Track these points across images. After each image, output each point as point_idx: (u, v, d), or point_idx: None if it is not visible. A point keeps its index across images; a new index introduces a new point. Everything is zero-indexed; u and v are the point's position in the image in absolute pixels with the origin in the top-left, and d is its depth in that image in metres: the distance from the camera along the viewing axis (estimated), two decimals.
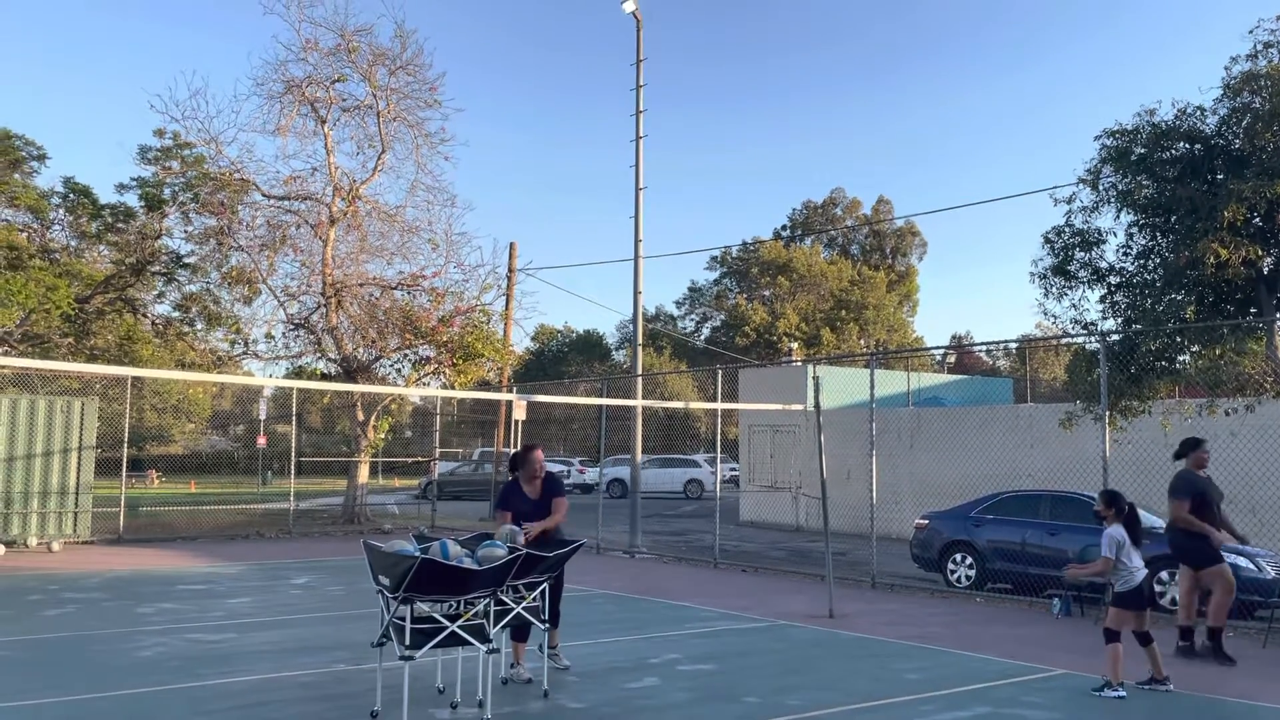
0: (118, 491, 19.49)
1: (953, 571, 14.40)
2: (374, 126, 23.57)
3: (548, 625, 7.61)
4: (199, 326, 25.64)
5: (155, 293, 26.45)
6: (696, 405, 18.28)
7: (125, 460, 19.64)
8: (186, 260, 25.56)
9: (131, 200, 25.61)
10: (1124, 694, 7.81)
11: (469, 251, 46.41)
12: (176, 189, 24.97)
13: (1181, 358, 12.75)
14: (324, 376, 23.68)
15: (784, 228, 68.36)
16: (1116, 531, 7.88)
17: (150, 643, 9.22)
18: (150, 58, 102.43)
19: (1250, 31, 11.95)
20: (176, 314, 26.16)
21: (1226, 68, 12.13)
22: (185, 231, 25.00)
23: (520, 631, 7.99)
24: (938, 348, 63.85)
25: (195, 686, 7.56)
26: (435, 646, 6.44)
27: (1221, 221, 10.70)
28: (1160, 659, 7.84)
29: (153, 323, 26.28)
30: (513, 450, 21.07)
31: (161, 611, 11.01)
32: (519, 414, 20.88)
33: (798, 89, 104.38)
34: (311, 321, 23.39)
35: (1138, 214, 12.25)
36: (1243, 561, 11.85)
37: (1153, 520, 13.18)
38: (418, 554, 6.45)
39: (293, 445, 23.04)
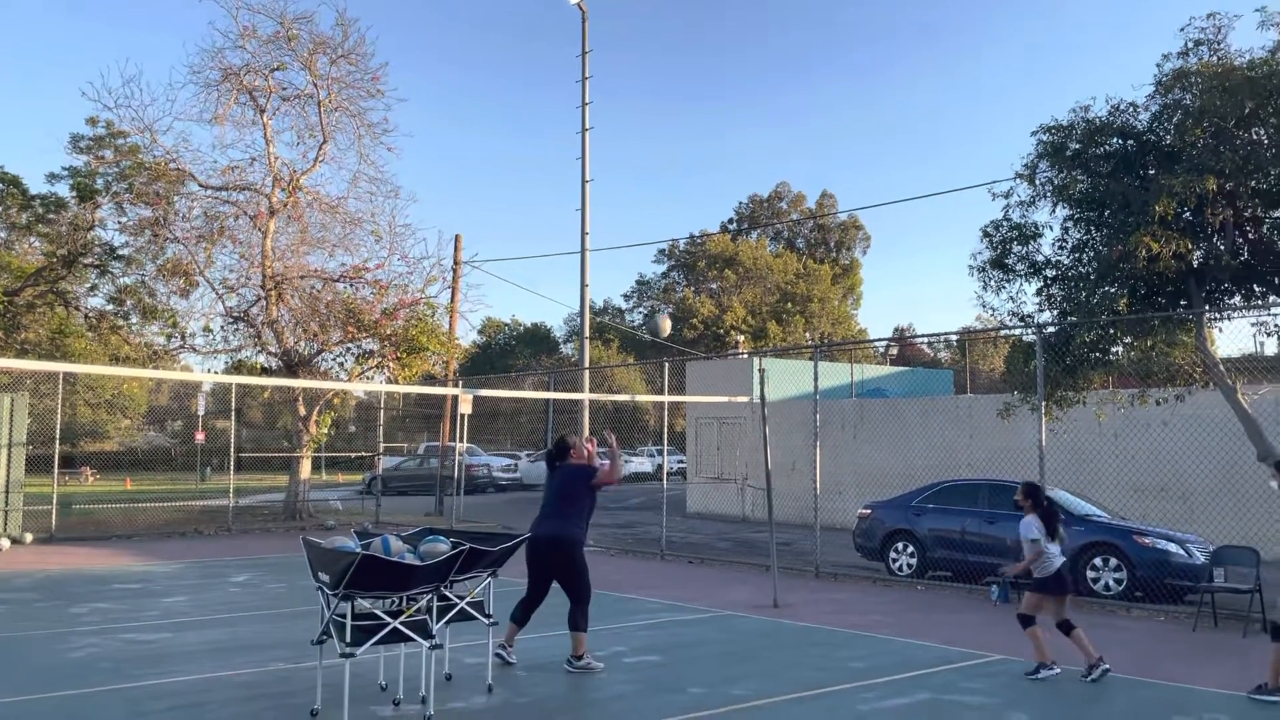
0: (50, 489, 18.98)
1: (894, 560, 14.60)
2: (315, 116, 23.19)
3: (493, 621, 7.56)
4: (134, 320, 25.00)
5: (88, 285, 25.74)
6: (644, 398, 18.34)
7: (57, 457, 19.12)
8: (120, 252, 24.92)
9: (63, 190, 24.92)
10: (1058, 670, 8.03)
11: (413, 244, 45.99)
12: (110, 179, 24.32)
13: (1115, 349, 13.03)
14: (264, 371, 23.27)
15: (730, 221, 68.65)
16: (1033, 521, 8.22)
17: (83, 643, 9.00)
18: (82, 43, 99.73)
19: (1181, 29, 12.23)
20: (110, 307, 25.48)
21: (1158, 65, 12.39)
22: (119, 223, 24.36)
23: (520, 615, 8.27)
24: (880, 340, 64.74)
25: (130, 687, 7.39)
26: (377, 643, 6.37)
27: (1153, 216, 10.93)
28: (1087, 642, 8.03)
29: (86, 316, 25.58)
30: (460, 444, 20.91)
31: (95, 611, 10.75)
32: (464, 408, 20.72)
33: (743, 82, 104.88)
34: (251, 315, 22.96)
35: (1073, 208, 12.47)
36: (1173, 547, 12.19)
37: (1089, 508, 13.51)
38: (358, 550, 6.38)
39: (232, 441, 22.60)
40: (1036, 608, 8.23)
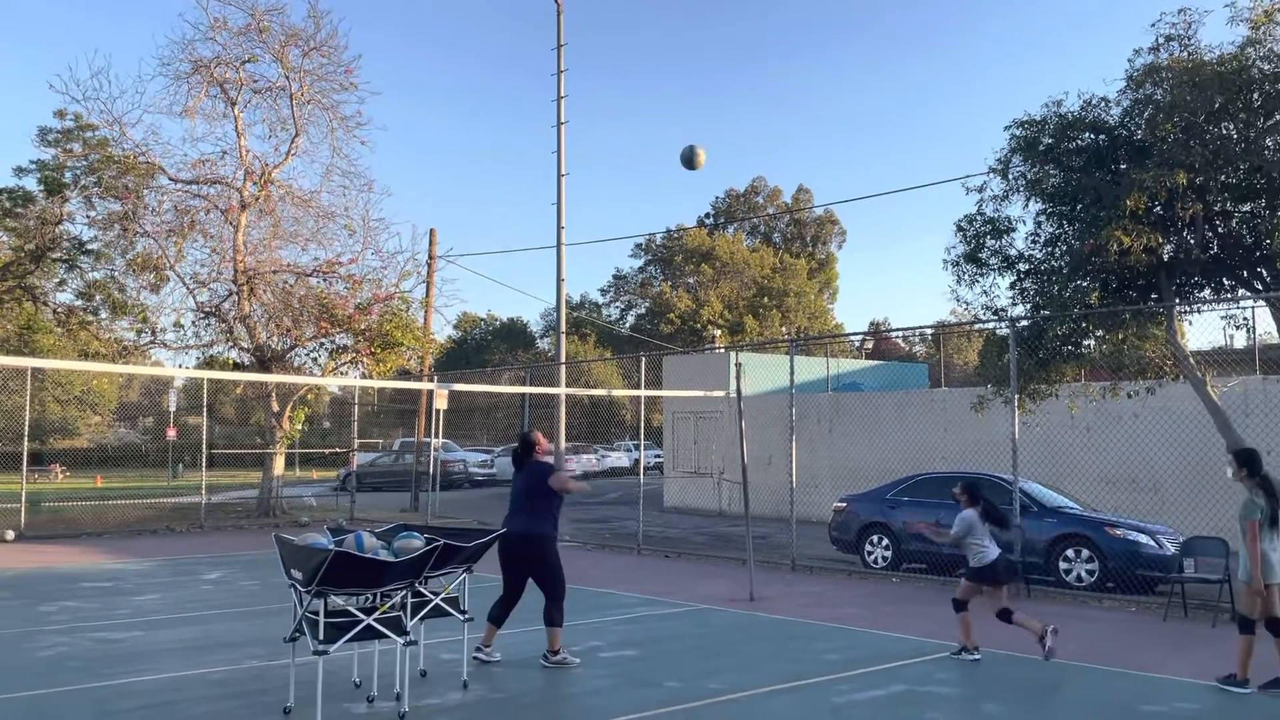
0: (18, 487, 18.72)
1: (870, 553, 14.67)
2: (287, 109, 22.99)
3: (468, 617, 7.52)
4: (103, 315, 24.66)
5: (56, 280, 25.38)
6: (620, 393, 18.32)
7: (26, 454, 18.87)
8: (89, 246, 24.57)
9: (30, 184, 24.51)
10: (979, 658, 8.40)
11: (387, 238, 45.44)
12: (78, 172, 23.97)
13: (1087, 342, 13.13)
14: (236, 366, 23.06)
15: (707, 216, 68.75)
16: (969, 515, 8.55)
17: (52, 642, 8.88)
18: (50, 34, 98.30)
19: (1153, 24, 12.32)
20: (79, 302, 25.12)
21: (1130, 60, 12.49)
22: (88, 217, 24.02)
23: (497, 615, 8.14)
24: (856, 334, 64.96)
25: (100, 686, 7.30)
26: (350, 640, 6.32)
27: (1124, 210, 11.02)
28: (1034, 623, 8.26)
29: (54, 311, 25.22)
30: (435, 440, 20.81)
31: (64, 610, 10.61)
32: (440, 403, 20.62)
33: (720, 78, 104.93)
34: (223, 309, 22.74)
35: (1045, 202, 12.55)
36: (1144, 539, 12.32)
37: (1061, 500, 13.62)
38: (331, 547, 6.32)
39: (204, 437, 22.39)
40: (968, 594, 8.57)
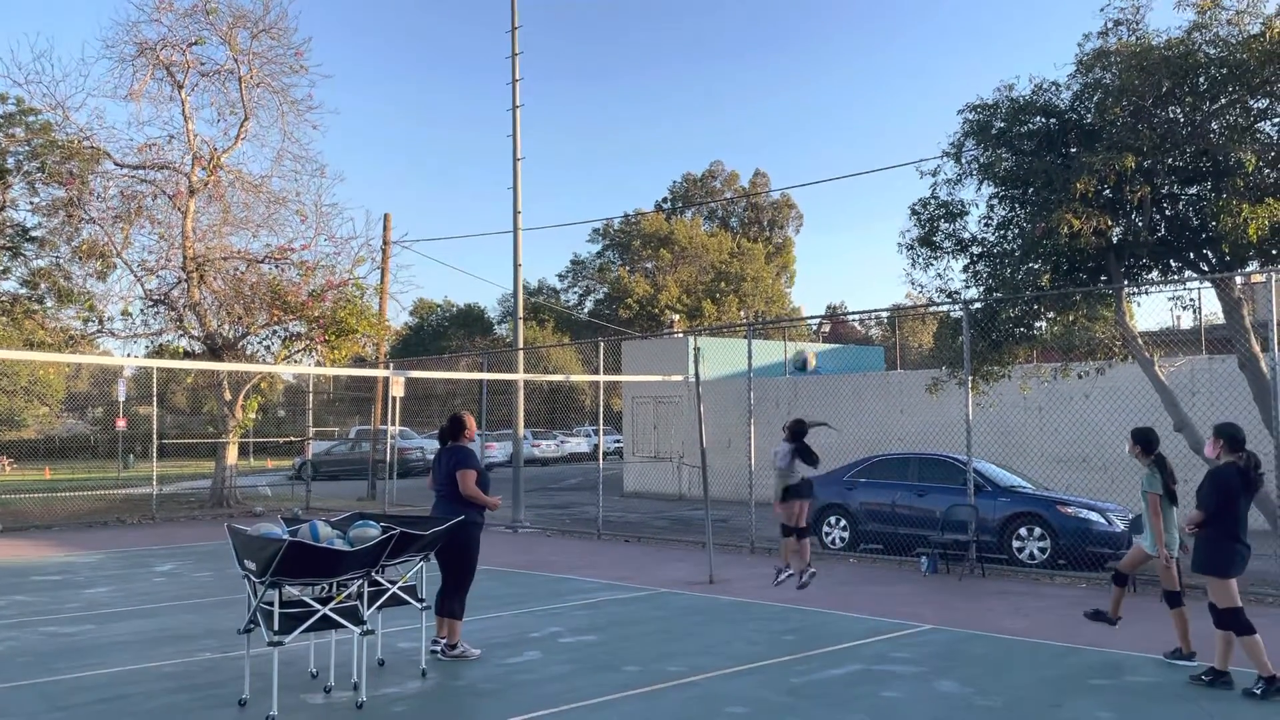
0: None
1: (827, 534, 14.80)
2: (235, 92, 22.56)
3: (426, 605, 7.47)
4: (49, 304, 24.08)
5: (0, 268, 24.77)
6: (579, 378, 18.27)
7: None
8: (34, 234, 23.98)
9: None
10: (790, 573, 10.75)
11: (340, 223, 45.34)
12: (21, 158, 23.35)
13: (1038, 324, 13.31)
14: (187, 355, 22.67)
15: (665, 200, 68.68)
16: (784, 447, 10.83)
17: (0, 637, 8.70)
18: None
19: (1102, 9, 12.44)
20: (24, 290, 24.52)
21: (1079, 44, 12.61)
22: (31, 203, 23.43)
23: (453, 611, 7.88)
24: (813, 317, 65.42)
25: (50, 681, 7.16)
26: (306, 630, 6.25)
27: (1074, 193, 11.15)
28: (798, 562, 10.77)
29: None
30: (392, 428, 20.63)
31: (13, 604, 10.40)
32: (396, 390, 20.44)
33: (676, 61, 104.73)
34: (172, 297, 22.32)
35: (998, 186, 12.67)
36: (1095, 516, 12.55)
37: (1014, 480, 13.83)
38: (285, 537, 6.24)
39: (154, 427, 22.00)
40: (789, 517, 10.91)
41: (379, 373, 21.20)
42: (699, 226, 65.54)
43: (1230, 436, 7.00)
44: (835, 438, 14.07)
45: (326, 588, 6.56)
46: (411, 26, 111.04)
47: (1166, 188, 12.07)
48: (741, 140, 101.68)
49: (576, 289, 68.83)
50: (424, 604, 7.33)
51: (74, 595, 11.04)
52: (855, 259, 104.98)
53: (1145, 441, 7.96)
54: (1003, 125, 12.62)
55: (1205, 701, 6.60)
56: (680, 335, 29.45)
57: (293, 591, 6.36)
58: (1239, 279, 12.14)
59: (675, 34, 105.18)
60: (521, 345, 21.08)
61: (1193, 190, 12.14)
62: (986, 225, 13.12)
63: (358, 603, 6.61)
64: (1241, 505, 6.88)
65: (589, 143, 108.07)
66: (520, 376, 19.63)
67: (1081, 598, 10.69)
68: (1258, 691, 6.67)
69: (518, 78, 20.63)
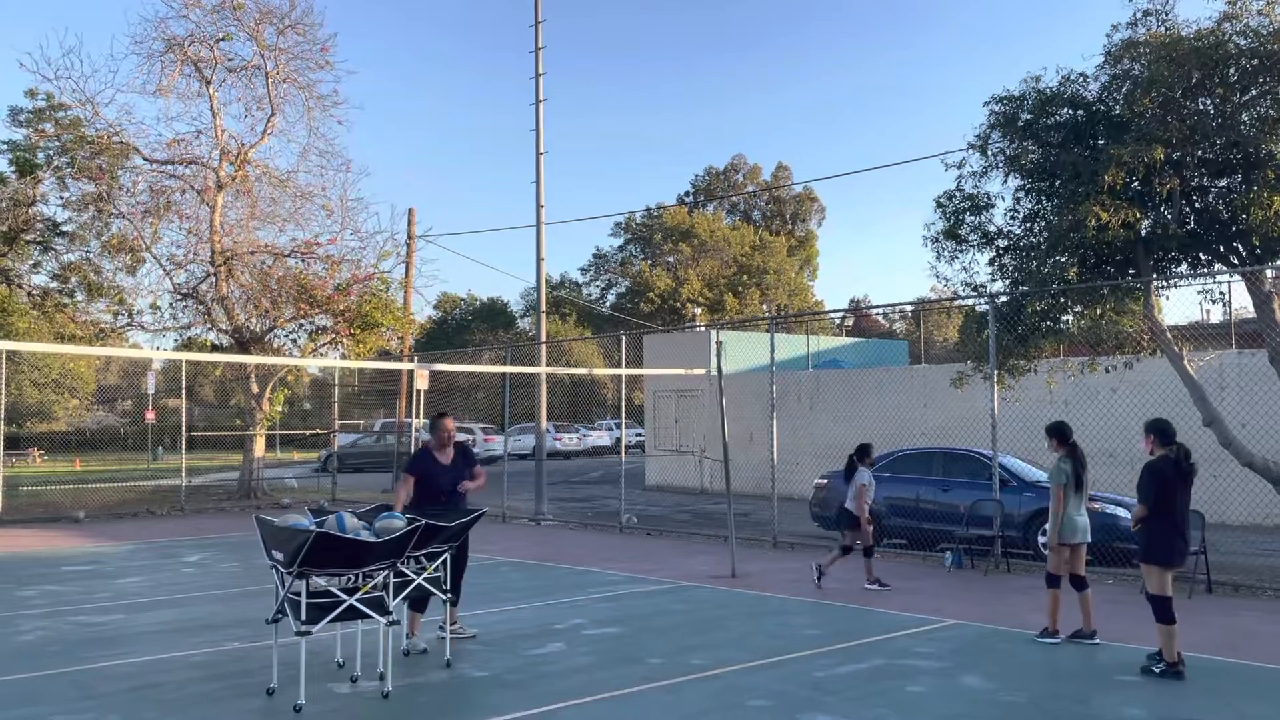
0: None
1: None
2: (262, 88, 22.73)
3: (450, 598, 7.53)
4: (79, 297, 24.39)
5: (31, 262, 25.06)
6: (600, 371, 18.29)
7: (2, 438, 18.67)
8: (64, 228, 24.29)
9: (2, 165, 24.20)
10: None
11: (366, 218, 45.25)
12: (51, 153, 23.65)
13: (1065, 318, 13.20)
14: (215, 348, 22.89)
15: (687, 194, 68.53)
16: (866, 474, 10.96)
17: (32, 626, 8.83)
18: (19, 12, 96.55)
19: (1130, 0, 12.34)
20: (55, 284, 24.84)
21: (1108, 35, 12.47)
22: (61, 198, 23.73)
23: (418, 602, 7.84)
24: (836, 311, 65.13)
25: (81, 670, 7.27)
26: (333, 620, 6.32)
27: (1102, 185, 11.04)
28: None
29: (29, 294, 24.91)
30: (416, 421, 20.76)
31: (45, 594, 10.55)
32: (421, 384, 20.54)
33: (700, 55, 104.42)
34: (200, 291, 22.54)
35: (1024, 178, 12.56)
36: (1122, 512, 12.45)
37: (1040, 475, 13.73)
38: (312, 528, 6.30)
39: (183, 419, 22.23)
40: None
41: (404, 366, 21.29)
42: (721, 220, 65.40)
43: (1160, 431, 7.39)
44: (857, 433, 14.03)
45: (353, 578, 6.62)
46: (436, 21, 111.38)
47: (1196, 180, 11.93)
48: (764, 133, 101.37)
49: (599, 283, 68.88)
50: (449, 595, 7.38)
51: (104, 585, 11.19)
52: (879, 252, 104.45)
53: (1060, 434, 8.49)
54: (1029, 117, 12.51)
55: (1234, 698, 6.55)
56: (702, 329, 29.41)
57: (320, 582, 6.42)
58: (1270, 272, 11.99)
59: (698, 26, 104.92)
60: (544, 339, 21.14)
61: (1223, 183, 12.00)
62: (1013, 218, 13.02)
63: (384, 593, 6.67)
64: (1180, 496, 7.22)
65: (611, 137, 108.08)
66: (542, 370, 19.69)
67: (1108, 594, 10.62)
68: (1156, 670, 7.09)
69: (541, 72, 20.66)
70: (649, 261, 63.53)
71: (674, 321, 54.75)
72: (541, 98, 20.59)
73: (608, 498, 22.23)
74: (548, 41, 20.70)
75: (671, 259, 62.28)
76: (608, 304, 64.75)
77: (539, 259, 20.49)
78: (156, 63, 22.13)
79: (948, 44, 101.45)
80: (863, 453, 11.16)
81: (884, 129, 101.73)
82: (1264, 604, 10.10)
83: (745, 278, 60.44)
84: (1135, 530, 7.47)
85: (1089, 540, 8.49)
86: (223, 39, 22.46)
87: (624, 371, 17.73)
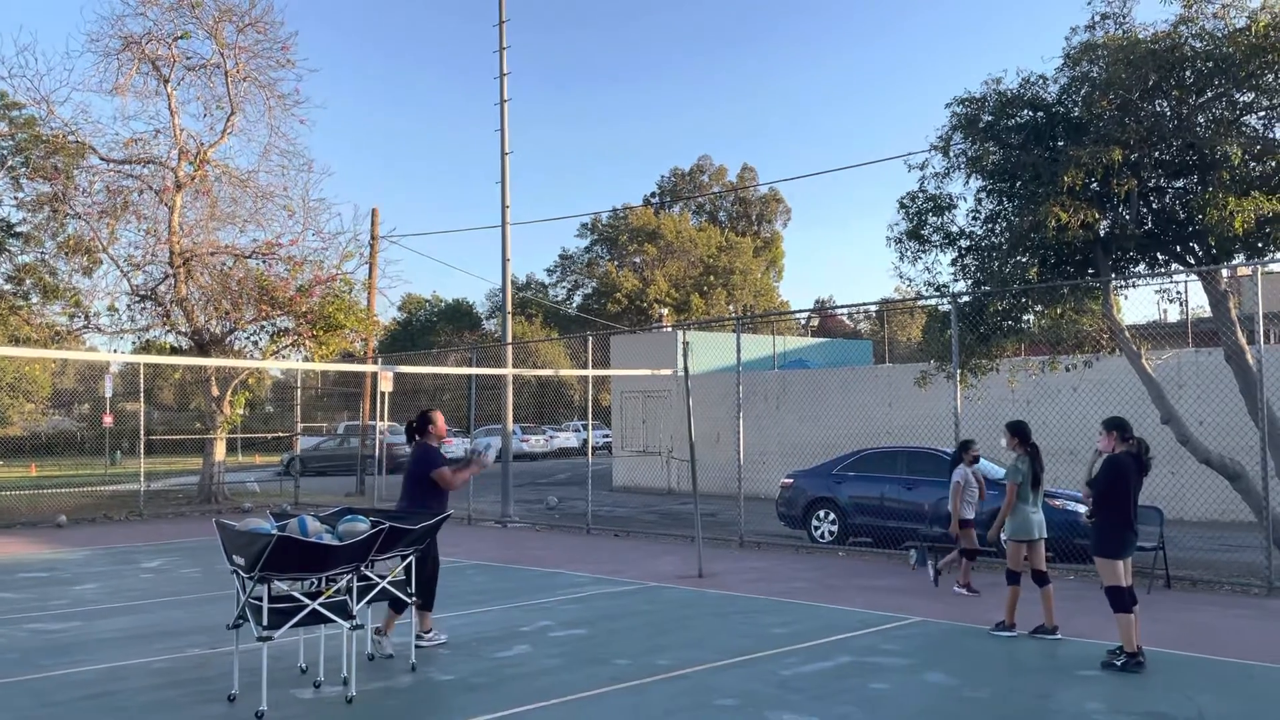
0: None
1: (816, 528, 14.83)
2: (222, 87, 22.43)
3: (415, 600, 7.46)
4: (34, 299, 23.93)
5: None
6: (567, 372, 18.24)
7: None
8: (18, 229, 23.82)
9: None
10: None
11: (328, 218, 44.73)
12: (5, 152, 23.18)
13: (1026, 317, 13.35)
14: (174, 350, 22.56)
15: (653, 195, 68.60)
16: (964, 471, 10.88)
17: None
18: None
19: (1089, 2, 12.49)
20: (9, 286, 24.36)
21: (1067, 38, 12.62)
22: (15, 198, 23.25)
23: (398, 603, 7.73)
24: (801, 311, 65.42)
25: (38, 678, 7.13)
26: (295, 625, 6.23)
27: (1062, 186, 11.17)
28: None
29: None
30: (381, 423, 20.57)
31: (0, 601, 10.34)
32: (385, 386, 20.40)
33: (665, 56, 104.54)
34: (159, 293, 22.20)
35: (985, 179, 12.68)
36: (1082, 509, 12.58)
37: (1001, 472, 13.85)
38: (274, 532, 6.22)
39: (141, 423, 21.89)
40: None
41: (367, 368, 21.14)
42: (687, 221, 65.53)
43: (1119, 427, 7.54)
44: (823, 432, 14.11)
45: (315, 582, 6.55)
46: (399, 20, 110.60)
47: (1153, 181, 12.11)
48: (729, 135, 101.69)
49: (565, 284, 68.75)
50: (414, 599, 7.32)
51: (61, 592, 10.98)
52: (844, 253, 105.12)
53: (1019, 433, 8.79)
54: (990, 119, 12.64)
55: (1194, 692, 6.64)
56: (669, 329, 29.43)
57: (281, 586, 6.33)
58: (1225, 272, 12.20)
59: (663, 29, 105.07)
60: (510, 340, 21.05)
61: (1179, 184, 12.18)
62: (974, 219, 13.14)
63: (347, 597, 6.59)
64: (1134, 488, 7.39)
65: (577, 138, 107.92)
66: (509, 371, 19.61)
67: (1070, 589, 10.75)
68: (1118, 664, 7.17)
69: (505, 72, 20.58)
70: (615, 262, 63.52)
71: (641, 322, 54.78)
72: (506, 98, 20.52)
73: (574, 499, 22.17)
74: (513, 42, 20.64)
75: (638, 260, 62.32)
76: (574, 305, 64.65)
77: (504, 259, 20.40)
78: (113, 61, 21.80)
79: (911, 47, 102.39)
80: (963, 448, 11.05)
81: (850, 131, 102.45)
82: (1222, 599, 10.26)
83: (711, 278, 60.60)
84: (1088, 522, 7.67)
85: (1045, 536, 8.66)
86: (181, 37, 22.15)
87: (591, 372, 17.69)
